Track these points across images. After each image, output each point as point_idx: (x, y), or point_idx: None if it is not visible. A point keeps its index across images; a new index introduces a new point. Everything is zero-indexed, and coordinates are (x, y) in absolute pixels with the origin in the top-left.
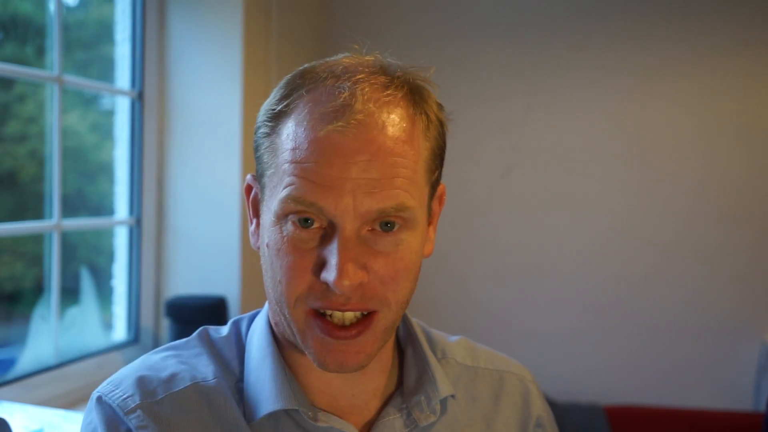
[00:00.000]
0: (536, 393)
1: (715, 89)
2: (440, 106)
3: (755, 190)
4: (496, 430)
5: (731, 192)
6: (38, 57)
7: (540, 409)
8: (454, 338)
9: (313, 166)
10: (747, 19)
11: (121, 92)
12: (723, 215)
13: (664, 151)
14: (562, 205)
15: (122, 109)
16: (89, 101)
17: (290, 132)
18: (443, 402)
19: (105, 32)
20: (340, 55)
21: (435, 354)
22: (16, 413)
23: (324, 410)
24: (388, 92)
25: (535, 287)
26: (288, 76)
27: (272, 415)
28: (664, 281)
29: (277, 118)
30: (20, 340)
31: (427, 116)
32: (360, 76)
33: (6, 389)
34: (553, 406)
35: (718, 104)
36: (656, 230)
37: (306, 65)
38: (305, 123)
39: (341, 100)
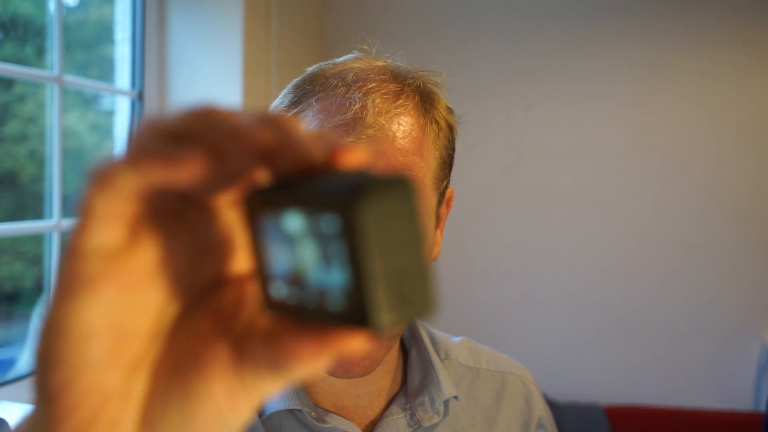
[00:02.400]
0: (538, 394)
1: (714, 88)
2: (450, 110)
3: (755, 190)
4: (498, 431)
5: (731, 192)
6: (38, 57)
7: (541, 410)
8: (456, 339)
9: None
10: (746, 18)
11: (121, 92)
12: (723, 215)
13: (665, 150)
14: (562, 205)
15: (122, 109)
16: (89, 101)
17: None
18: (446, 403)
19: (105, 32)
20: (350, 56)
21: (438, 355)
22: (16, 413)
23: (328, 410)
24: (399, 102)
25: (535, 287)
26: (296, 80)
27: (277, 414)
28: (664, 281)
29: None
30: (20, 340)
31: (438, 124)
32: (371, 86)
33: (6, 389)
34: (553, 406)
35: (717, 103)
36: (656, 230)
37: (314, 68)
38: None
39: (352, 112)
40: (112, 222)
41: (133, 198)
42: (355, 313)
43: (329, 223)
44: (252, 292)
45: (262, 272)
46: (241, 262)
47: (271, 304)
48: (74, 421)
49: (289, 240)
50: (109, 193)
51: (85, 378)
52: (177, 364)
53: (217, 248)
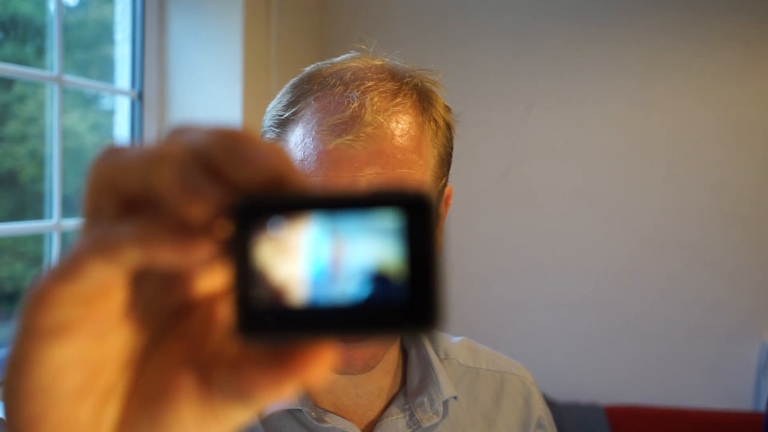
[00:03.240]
0: (537, 394)
1: (716, 89)
2: (448, 109)
3: (755, 190)
4: (498, 431)
5: (731, 192)
6: (38, 57)
7: (541, 410)
8: (456, 339)
9: (322, 179)
10: (747, 18)
11: (121, 92)
12: (723, 216)
13: (665, 151)
14: (562, 205)
15: (122, 109)
16: (89, 101)
17: (298, 141)
18: (445, 403)
19: (105, 32)
20: (347, 56)
21: (438, 355)
22: None
23: (327, 410)
24: (397, 100)
25: (535, 287)
26: (294, 80)
27: (276, 414)
28: (664, 281)
29: (284, 124)
30: None
31: (436, 122)
32: (369, 84)
33: None
34: (553, 406)
35: (718, 104)
36: (656, 230)
37: (312, 67)
38: (314, 133)
39: (350, 111)
40: (99, 282)
41: (130, 270)
42: (415, 310)
43: (390, 220)
44: (220, 315)
45: (245, 286)
46: (208, 280)
47: (255, 320)
48: None
49: (330, 239)
50: (109, 264)
51: (57, 412)
52: (147, 393)
53: (185, 272)
